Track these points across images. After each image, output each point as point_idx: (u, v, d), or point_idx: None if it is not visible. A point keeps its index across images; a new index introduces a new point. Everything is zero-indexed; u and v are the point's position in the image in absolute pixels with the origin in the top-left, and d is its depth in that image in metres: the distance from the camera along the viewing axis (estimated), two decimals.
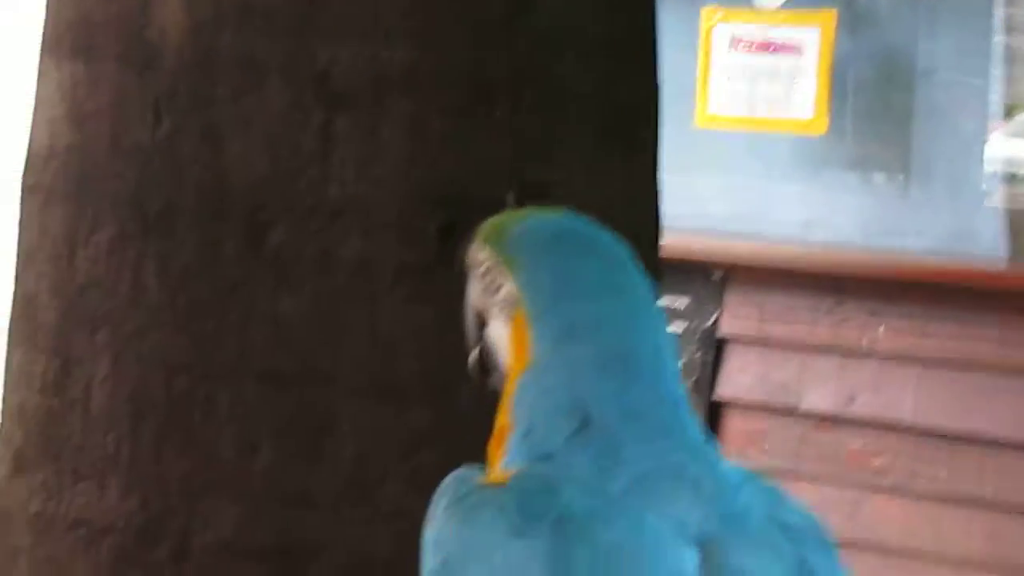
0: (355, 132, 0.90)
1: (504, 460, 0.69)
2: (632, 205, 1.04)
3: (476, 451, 0.73)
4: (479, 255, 0.71)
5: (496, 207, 0.80)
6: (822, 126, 2.25)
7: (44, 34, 1.00)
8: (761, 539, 0.71)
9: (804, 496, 0.85)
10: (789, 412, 2.07)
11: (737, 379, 2.13)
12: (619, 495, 0.68)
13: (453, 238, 0.88)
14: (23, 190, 0.97)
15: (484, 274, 0.71)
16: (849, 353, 2.07)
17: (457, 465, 0.71)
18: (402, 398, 0.91)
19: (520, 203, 0.89)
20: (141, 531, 0.91)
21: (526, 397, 0.68)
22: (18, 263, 0.99)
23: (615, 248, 0.72)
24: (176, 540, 0.90)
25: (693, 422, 0.73)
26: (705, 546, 0.70)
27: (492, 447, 0.71)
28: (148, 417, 0.91)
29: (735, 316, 2.15)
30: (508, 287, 0.69)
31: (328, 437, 0.90)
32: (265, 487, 0.90)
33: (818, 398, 2.05)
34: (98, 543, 0.92)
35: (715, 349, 2.17)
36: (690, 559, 0.68)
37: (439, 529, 0.67)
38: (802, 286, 2.09)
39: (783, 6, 2.27)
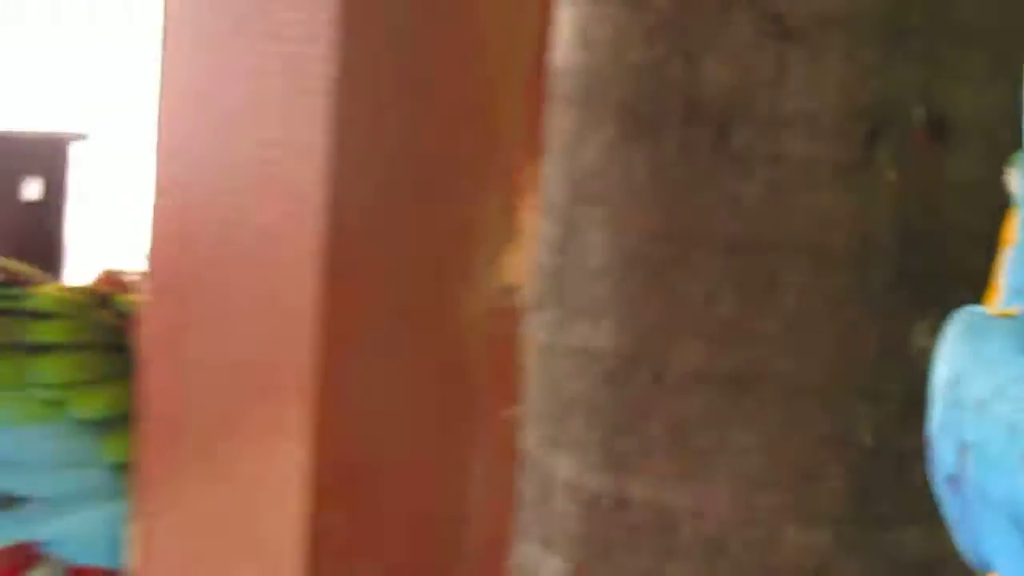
0: (803, 60, 1.16)
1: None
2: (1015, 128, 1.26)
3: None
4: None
5: (909, 120, 1.07)
6: None
7: None
8: None
9: None
10: None
11: None
12: None
13: (875, 142, 1.15)
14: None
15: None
16: None
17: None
18: (829, 262, 1.18)
19: (928, 119, 1.15)
20: (626, 359, 1.22)
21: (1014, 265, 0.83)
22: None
23: None
24: (654, 367, 1.21)
25: None
26: None
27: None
28: (634, 272, 1.22)
29: None
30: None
31: (772, 292, 1.18)
32: (723, 329, 1.19)
33: None
34: (591, 367, 1.25)
35: None
36: None
37: (951, 350, 0.81)
38: None
39: None
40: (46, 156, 3.22)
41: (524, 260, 0.39)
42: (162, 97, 0.39)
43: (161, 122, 0.39)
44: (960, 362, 0.79)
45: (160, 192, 0.38)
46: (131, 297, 0.68)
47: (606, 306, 1.24)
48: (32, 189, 3.23)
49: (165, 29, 0.39)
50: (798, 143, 1.17)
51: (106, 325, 0.72)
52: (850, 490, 1.17)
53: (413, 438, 0.35)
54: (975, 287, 0.95)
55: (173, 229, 0.37)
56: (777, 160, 1.17)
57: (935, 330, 0.88)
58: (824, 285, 1.17)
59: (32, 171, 3.18)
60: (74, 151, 3.28)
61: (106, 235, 3.68)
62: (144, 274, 0.64)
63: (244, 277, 0.35)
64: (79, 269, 3.28)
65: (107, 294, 0.71)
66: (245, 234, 0.35)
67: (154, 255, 0.40)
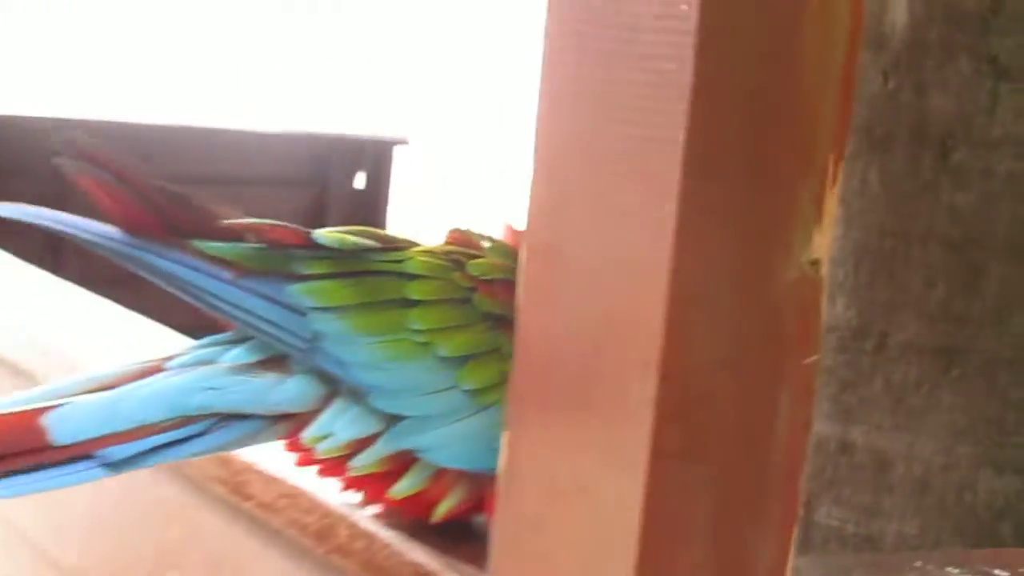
0: (1012, 92, 1.42)
1: None
2: None
3: None
4: None
5: None
6: None
7: None
8: None
9: None
10: None
11: None
12: None
13: None
14: None
15: None
16: None
17: None
18: None
19: None
20: (855, 331, 1.52)
21: None
22: None
23: None
24: (877, 338, 1.50)
25: None
26: None
27: None
28: (864, 261, 1.52)
29: None
30: None
31: (978, 281, 1.45)
32: (936, 310, 1.47)
33: None
34: (827, 336, 1.55)
35: None
36: None
37: None
38: None
39: None
40: (373, 155, 3.76)
41: (827, 239, 0.55)
42: (543, 85, 0.56)
43: (541, 107, 0.56)
44: None
45: (535, 176, 0.57)
46: (481, 260, 0.87)
47: (840, 287, 1.54)
48: (360, 180, 3.78)
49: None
50: (1006, 161, 1.43)
51: (460, 284, 0.86)
52: None
53: (736, 376, 0.51)
54: None
55: (546, 205, 0.56)
56: (988, 175, 1.44)
57: None
58: (1022, 276, 1.42)
59: (362, 166, 3.74)
60: (397, 152, 3.82)
61: (419, 222, 4.22)
62: (513, 236, 0.86)
63: (607, 245, 0.52)
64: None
65: (460, 258, 0.85)
66: (608, 211, 0.52)
67: (530, 223, 0.58)
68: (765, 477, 0.62)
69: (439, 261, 0.88)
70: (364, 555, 0.88)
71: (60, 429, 0.82)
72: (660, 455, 0.59)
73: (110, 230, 0.83)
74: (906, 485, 1.48)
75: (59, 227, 0.84)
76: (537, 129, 0.65)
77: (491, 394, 0.86)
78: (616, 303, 0.63)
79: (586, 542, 0.62)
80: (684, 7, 0.57)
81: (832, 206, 0.58)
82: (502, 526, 0.68)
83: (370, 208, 3.68)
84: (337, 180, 3.84)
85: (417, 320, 0.86)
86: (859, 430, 1.51)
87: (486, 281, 0.87)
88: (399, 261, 0.87)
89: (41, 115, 3.36)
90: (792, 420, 0.61)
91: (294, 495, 0.93)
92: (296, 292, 0.84)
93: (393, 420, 0.85)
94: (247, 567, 1.03)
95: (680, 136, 0.58)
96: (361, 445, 0.84)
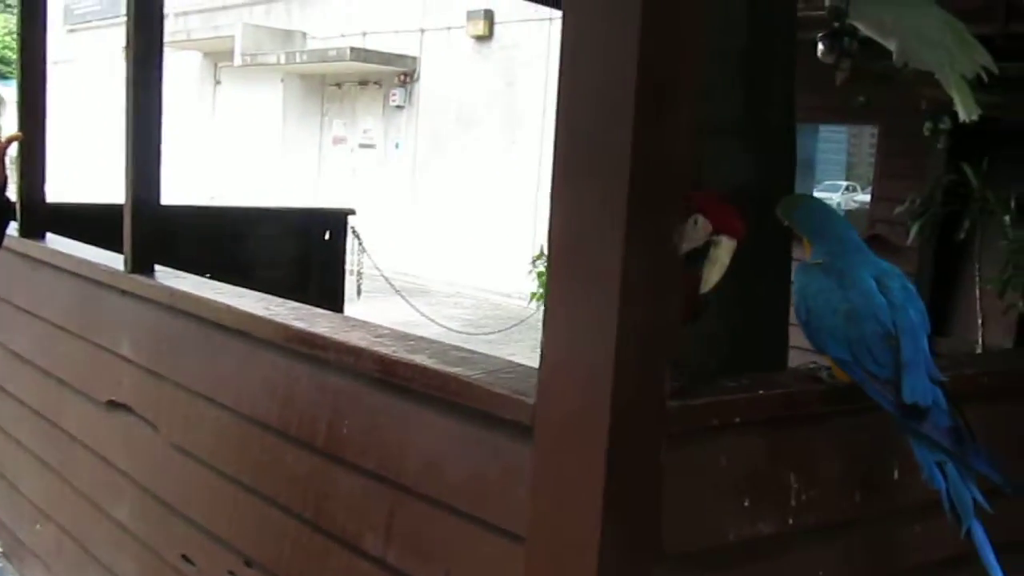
0: None
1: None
2: None
3: None
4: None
5: None
6: None
7: None
8: (894, 273, 1.86)
9: None
10: None
11: None
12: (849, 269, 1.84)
13: None
14: None
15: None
16: None
17: None
18: None
19: None
20: None
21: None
22: None
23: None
24: None
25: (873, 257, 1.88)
26: (878, 279, 1.84)
27: None
28: None
29: None
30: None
31: None
32: None
33: None
34: None
35: None
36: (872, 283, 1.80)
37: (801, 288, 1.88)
38: None
39: None
40: (335, 219, 6.86)
41: None
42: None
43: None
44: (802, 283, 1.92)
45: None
46: None
47: None
48: (327, 234, 6.85)
49: None
50: None
51: None
52: None
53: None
54: None
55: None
56: None
57: None
58: None
59: (329, 226, 6.84)
60: (350, 218, 6.92)
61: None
62: None
63: None
64: None
65: None
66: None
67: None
68: None
69: None
70: None
71: None
72: None
73: None
74: None
75: None
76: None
77: None
78: None
79: None
80: None
81: None
82: None
83: (334, 250, 6.66)
84: (316, 233, 6.85)
85: None
86: None
87: None
88: None
89: None
90: None
91: None
92: None
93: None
94: None
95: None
96: None
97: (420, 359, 1.94)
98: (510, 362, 1.91)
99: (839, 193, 9.33)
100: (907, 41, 3.21)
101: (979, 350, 6.25)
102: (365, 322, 2.27)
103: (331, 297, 6.34)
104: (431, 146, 16.03)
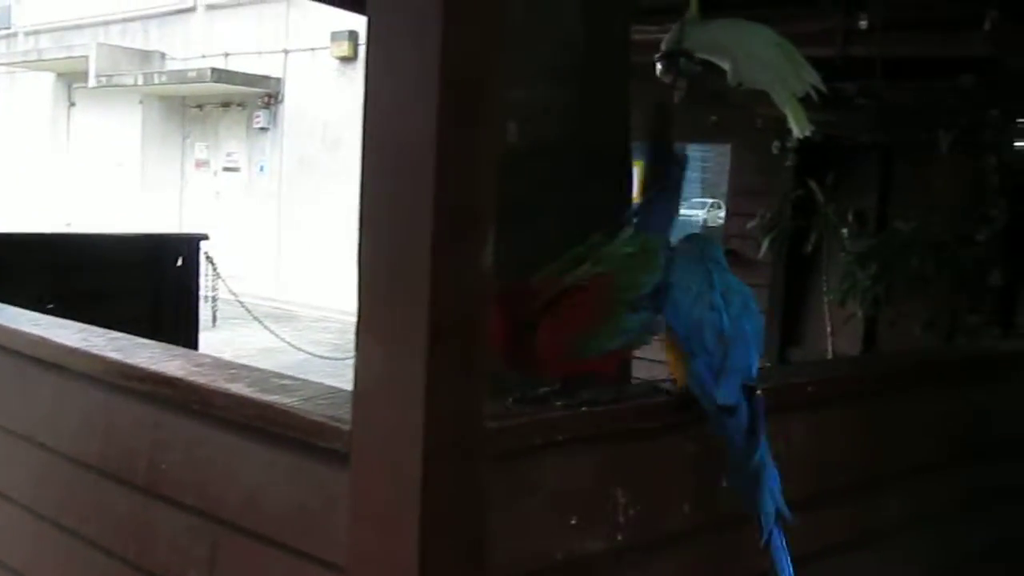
0: None
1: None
2: None
3: None
4: None
5: None
6: None
7: None
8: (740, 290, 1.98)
9: None
10: None
11: None
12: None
13: None
14: None
15: None
16: None
17: None
18: None
19: None
20: None
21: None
22: None
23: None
24: None
25: None
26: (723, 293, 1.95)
27: None
28: None
29: None
30: None
31: None
32: None
33: None
34: None
35: None
36: None
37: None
38: None
39: None
40: (187, 244, 6.67)
41: None
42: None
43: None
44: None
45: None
46: None
47: None
48: (179, 260, 6.65)
49: None
50: None
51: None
52: None
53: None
54: None
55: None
56: None
57: None
58: None
59: (181, 252, 6.65)
60: (202, 244, 6.73)
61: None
62: None
63: None
64: None
65: None
66: None
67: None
68: None
69: None
70: None
71: None
72: None
73: None
74: None
75: None
76: None
77: None
78: None
79: None
80: None
81: None
82: None
83: (186, 275, 6.49)
84: (168, 260, 6.67)
85: None
86: None
87: None
88: None
89: None
90: None
91: None
92: None
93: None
94: None
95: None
96: None
97: (237, 388, 1.88)
98: (331, 388, 1.87)
99: (705, 210, 9.54)
100: (739, 61, 3.29)
101: (829, 358, 6.44)
102: (187, 351, 2.20)
103: (185, 325, 6.19)
104: (297, 168, 15.85)
